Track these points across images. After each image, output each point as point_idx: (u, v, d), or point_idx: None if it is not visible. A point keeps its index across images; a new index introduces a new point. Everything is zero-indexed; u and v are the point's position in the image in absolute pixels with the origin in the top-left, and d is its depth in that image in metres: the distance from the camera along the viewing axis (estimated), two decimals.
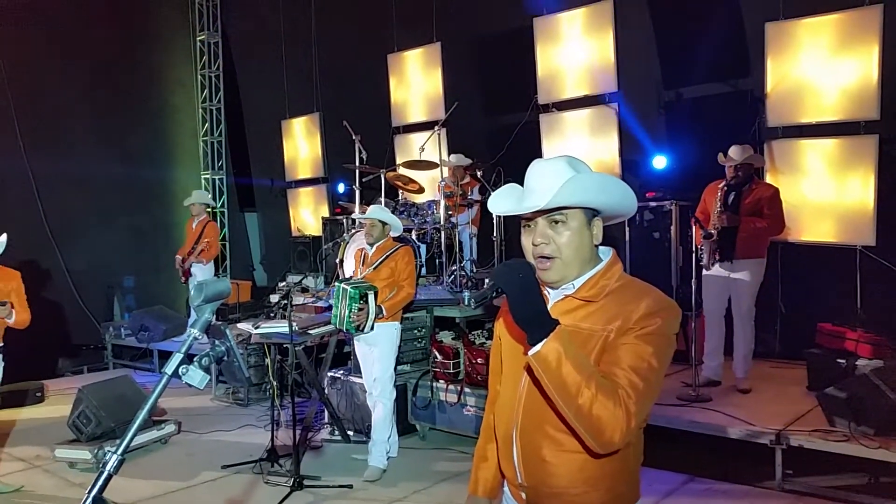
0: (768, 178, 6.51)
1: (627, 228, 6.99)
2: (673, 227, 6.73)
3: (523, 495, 1.85)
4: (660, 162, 7.17)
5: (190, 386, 1.51)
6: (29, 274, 8.59)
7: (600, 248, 1.85)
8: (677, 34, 7.62)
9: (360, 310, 4.84)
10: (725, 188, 5.61)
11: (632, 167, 7.76)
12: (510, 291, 1.62)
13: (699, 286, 5.63)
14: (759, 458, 4.61)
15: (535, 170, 1.82)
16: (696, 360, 5.65)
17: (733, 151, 5.60)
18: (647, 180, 7.46)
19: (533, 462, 1.80)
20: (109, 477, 1.36)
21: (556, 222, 1.76)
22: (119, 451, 1.38)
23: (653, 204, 6.90)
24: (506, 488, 1.97)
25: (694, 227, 5.56)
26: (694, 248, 5.61)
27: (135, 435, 1.42)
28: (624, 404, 1.59)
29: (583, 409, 1.58)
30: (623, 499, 1.80)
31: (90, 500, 1.32)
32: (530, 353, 1.61)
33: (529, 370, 1.76)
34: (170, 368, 1.49)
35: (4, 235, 4.61)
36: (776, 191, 5.67)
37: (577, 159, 1.84)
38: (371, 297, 4.87)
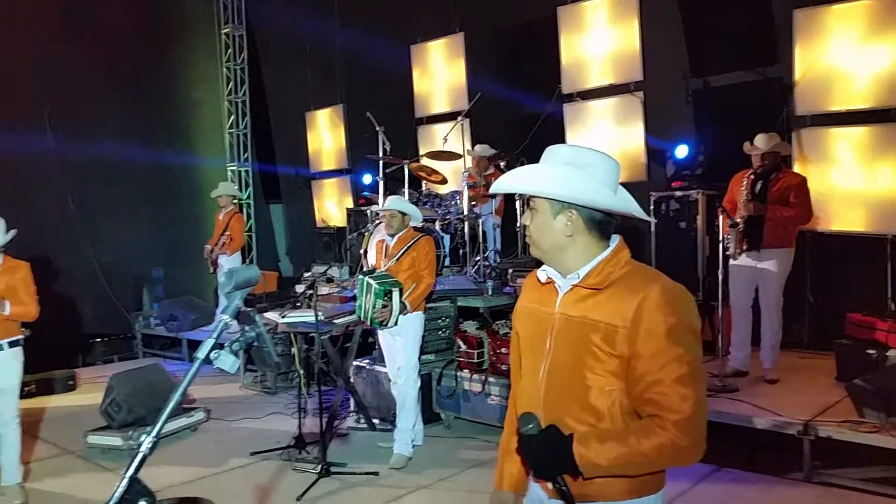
0: (796, 167, 6.42)
1: (653, 217, 6.93)
2: (699, 217, 6.66)
3: (550, 486, 1.86)
4: (682, 151, 7.10)
5: (221, 370, 1.55)
6: (60, 265, 8.85)
7: (612, 236, 1.88)
8: (705, 22, 7.52)
9: (384, 307, 4.88)
10: (752, 177, 5.55)
11: (658, 157, 7.69)
12: (545, 470, 1.77)
13: (726, 276, 5.58)
14: (787, 449, 4.57)
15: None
16: (723, 351, 5.61)
17: (759, 140, 5.54)
18: (673, 170, 7.38)
19: None
20: (144, 458, 1.40)
21: (531, 208, 1.87)
22: (154, 433, 1.42)
23: (678, 194, 6.83)
24: (532, 478, 1.98)
25: (720, 217, 5.50)
26: (721, 238, 5.56)
27: (169, 416, 1.46)
28: (670, 424, 1.66)
29: (647, 462, 1.71)
30: (648, 485, 1.82)
31: (126, 480, 1.36)
32: (587, 478, 1.72)
33: (558, 354, 1.83)
34: (202, 353, 1.52)
35: (13, 231, 4.54)
36: (803, 179, 5.60)
37: (589, 150, 1.85)
38: (395, 294, 4.90)
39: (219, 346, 1.58)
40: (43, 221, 8.92)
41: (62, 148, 9.33)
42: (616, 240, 1.87)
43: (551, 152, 1.88)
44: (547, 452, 1.72)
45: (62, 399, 7.36)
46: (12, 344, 4.53)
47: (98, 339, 9.62)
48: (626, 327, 1.71)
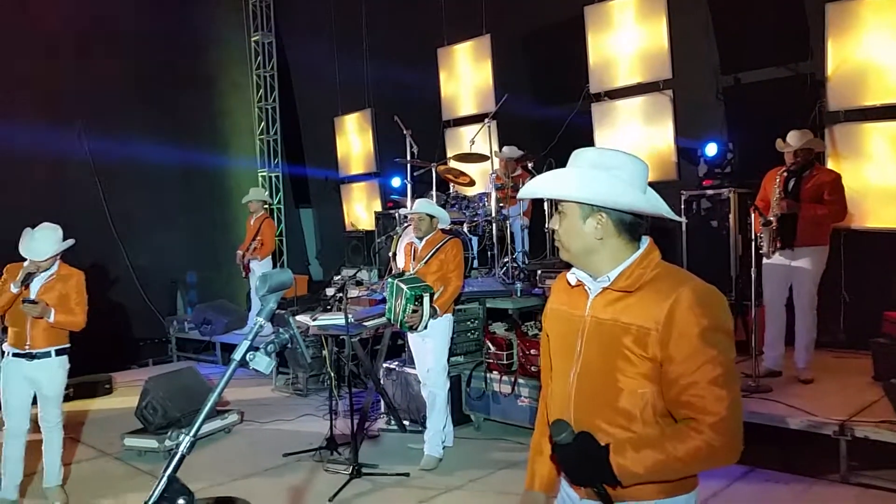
0: (830, 164, 6.32)
1: (684, 217, 6.87)
2: (731, 216, 6.59)
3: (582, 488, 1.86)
4: (711, 149, 7.03)
5: (254, 374, 1.58)
6: (96, 272, 9.01)
7: (642, 237, 1.87)
8: (735, 17, 7.45)
9: (413, 312, 4.90)
10: (785, 174, 5.48)
11: (688, 155, 7.63)
12: (582, 478, 1.78)
13: (759, 276, 5.51)
14: (823, 450, 4.50)
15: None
16: (757, 351, 5.54)
17: (791, 137, 5.47)
18: (706, 169, 7.31)
19: None
20: (183, 457, 1.44)
21: (559, 212, 1.87)
22: (192, 433, 1.46)
23: (710, 192, 6.77)
24: (564, 479, 1.98)
25: (753, 215, 5.43)
26: (753, 237, 5.49)
27: (206, 417, 1.49)
28: (706, 426, 1.66)
29: (684, 467, 1.71)
30: (681, 485, 1.80)
31: (165, 479, 1.40)
32: (625, 486, 1.71)
33: (588, 356, 1.83)
34: (238, 355, 1.55)
35: (71, 240, 4.58)
36: (837, 176, 5.51)
37: (615, 152, 1.85)
38: (426, 299, 4.92)
39: (254, 348, 1.61)
40: (78, 226, 9.06)
41: (97, 153, 9.53)
42: (646, 241, 1.87)
43: (577, 156, 1.88)
44: (583, 462, 1.72)
45: (99, 402, 7.51)
46: (59, 352, 4.56)
47: (134, 343, 9.80)
48: (659, 330, 1.71)
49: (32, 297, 4.43)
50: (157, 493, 1.38)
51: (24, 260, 4.46)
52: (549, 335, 2.03)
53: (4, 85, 8.56)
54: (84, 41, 9.36)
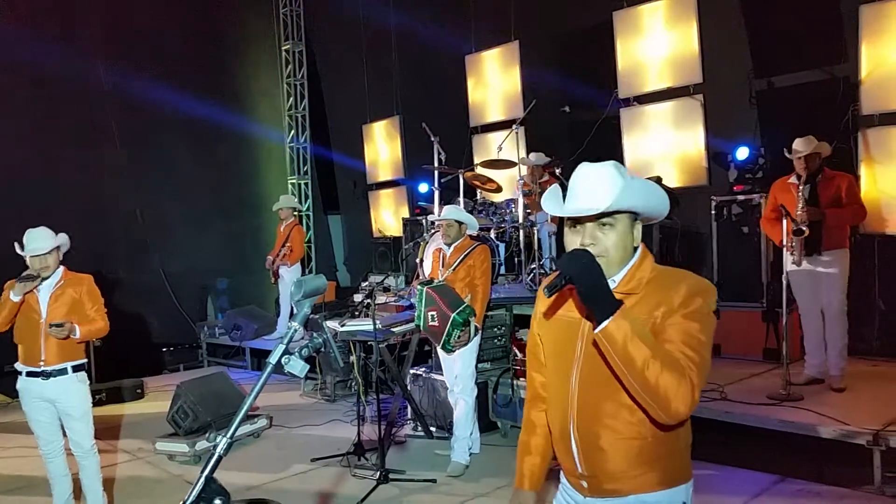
0: (863, 168, 6.23)
1: (714, 223, 6.82)
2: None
3: (584, 484, 1.94)
4: (742, 153, 6.95)
5: (290, 375, 1.62)
6: (129, 276, 9.19)
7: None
8: (768, 21, 7.37)
9: (459, 337, 4.89)
10: (797, 182, 5.40)
11: (721, 160, 7.56)
12: (576, 275, 1.72)
13: (790, 282, 5.44)
14: (857, 460, 4.42)
15: (582, 173, 1.92)
16: (788, 358, 5.45)
17: (799, 143, 5.40)
18: (735, 174, 7.24)
19: (592, 452, 1.89)
20: (220, 458, 1.46)
21: (605, 225, 1.87)
22: (229, 435, 1.49)
23: (741, 197, 6.70)
24: (563, 479, 2.05)
25: (784, 221, 5.33)
26: (784, 244, 5.41)
27: (243, 419, 1.52)
28: (688, 377, 1.71)
29: (649, 382, 1.69)
30: (677, 476, 1.90)
31: (203, 479, 1.43)
32: (597, 329, 1.72)
33: (590, 356, 1.87)
34: (273, 358, 1.59)
35: (64, 235, 4.29)
36: (852, 178, 5.49)
37: (621, 165, 1.94)
38: (473, 322, 4.94)
39: (288, 352, 1.64)
40: (113, 233, 9.31)
41: (131, 162, 9.71)
42: (640, 247, 1.95)
43: (599, 168, 1.90)
44: (592, 274, 1.73)
45: (131, 407, 7.61)
46: (76, 368, 4.25)
47: (165, 349, 9.94)
48: (659, 317, 1.81)
49: (43, 307, 4.16)
50: (195, 493, 1.40)
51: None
52: (543, 340, 2.09)
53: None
54: (115, 52, 9.50)
